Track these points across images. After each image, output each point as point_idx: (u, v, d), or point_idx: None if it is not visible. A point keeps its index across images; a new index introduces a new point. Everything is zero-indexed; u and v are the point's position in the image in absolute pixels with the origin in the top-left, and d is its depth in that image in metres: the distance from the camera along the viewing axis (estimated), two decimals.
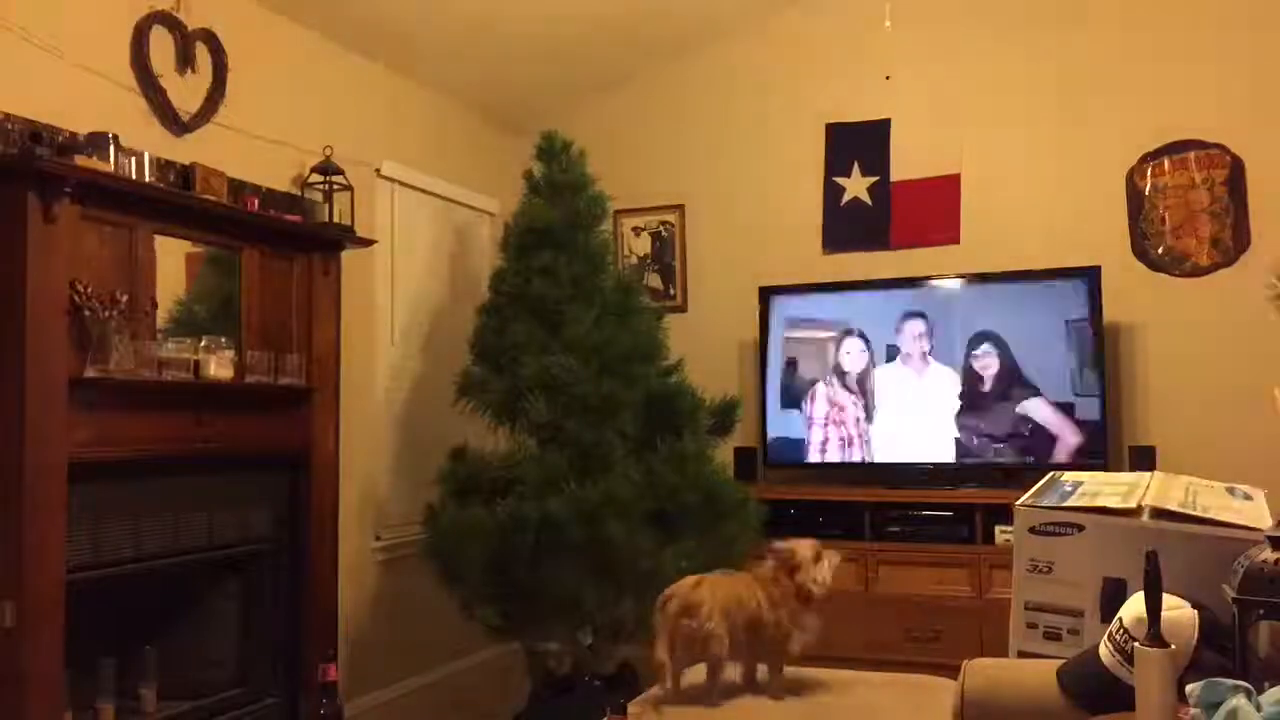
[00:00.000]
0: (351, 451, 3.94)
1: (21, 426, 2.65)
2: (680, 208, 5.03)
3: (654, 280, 5.05)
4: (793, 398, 4.50)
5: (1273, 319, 4.01)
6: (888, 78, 4.17)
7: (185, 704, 3.18)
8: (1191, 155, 4.22)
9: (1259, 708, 1.14)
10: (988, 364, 4.27)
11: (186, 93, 3.44)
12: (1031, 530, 1.66)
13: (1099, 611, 1.57)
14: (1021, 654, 1.64)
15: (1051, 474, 1.85)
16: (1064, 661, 1.46)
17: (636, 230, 5.10)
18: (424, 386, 4.53)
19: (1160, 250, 4.27)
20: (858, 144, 4.68)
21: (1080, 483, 1.81)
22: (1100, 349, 4.11)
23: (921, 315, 4.36)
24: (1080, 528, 1.62)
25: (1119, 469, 3.97)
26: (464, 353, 4.20)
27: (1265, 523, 1.51)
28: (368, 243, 3.96)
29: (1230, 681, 1.17)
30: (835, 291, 4.52)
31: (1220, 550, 1.45)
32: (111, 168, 2.93)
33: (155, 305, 3.10)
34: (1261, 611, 1.25)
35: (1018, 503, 1.71)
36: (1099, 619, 1.56)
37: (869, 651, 3.80)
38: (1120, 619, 1.37)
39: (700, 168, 4.99)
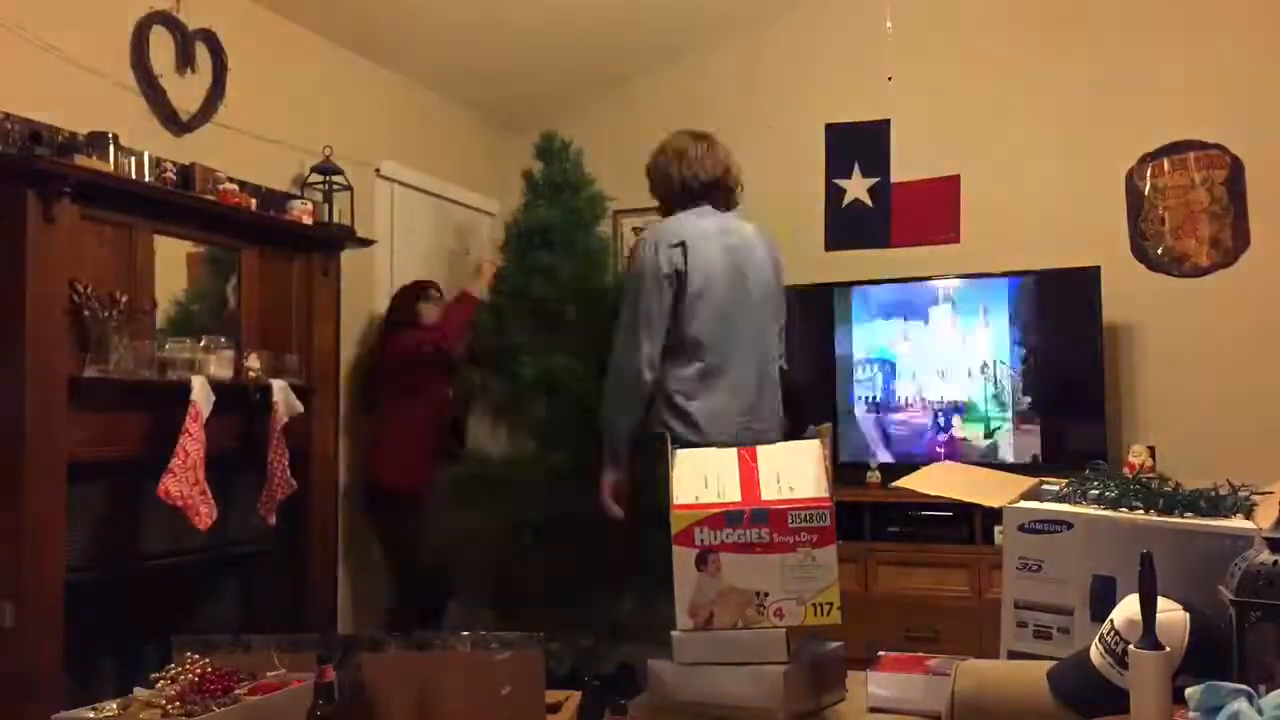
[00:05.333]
0: (351, 451, 3.94)
1: (21, 426, 2.66)
2: None
3: None
4: None
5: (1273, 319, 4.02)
6: (890, 79, 4.17)
7: None
8: (1191, 155, 4.22)
9: (1260, 711, 1.14)
10: (987, 364, 4.27)
11: (186, 93, 3.44)
12: (1020, 528, 1.66)
13: (1089, 610, 1.57)
14: (1012, 654, 1.64)
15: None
16: (1054, 663, 1.46)
17: (636, 230, 5.08)
18: None
19: (1160, 250, 4.28)
20: (858, 144, 4.66)
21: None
22: (1100, 349, 4.11)
23: (922, 315, 4.37)
24: (1069, 525, 1.62)
25: (1118, 470, 3.98)
26: None
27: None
28: (367, 243, 3.97)
29: (1231, 685, 1.17)
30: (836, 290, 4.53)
31: (1210, 548, 1.45)
32: (111, 168, 2.93)
33: (155, 305, 3.11)
34: (1259, 614, 1.26)
35: (1007, 502, 1.72)
36: (1089, 617, 1.56)
37: (869, 651, 3.79)
38: (1112, 621, 1.37)
39: None
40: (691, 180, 2.99)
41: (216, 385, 3.08)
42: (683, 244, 2.86)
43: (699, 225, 2.93)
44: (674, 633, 1.78)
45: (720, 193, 3.03)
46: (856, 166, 4.69)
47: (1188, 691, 1.19)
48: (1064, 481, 1.77)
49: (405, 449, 3.97)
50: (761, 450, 1.92)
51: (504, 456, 3.94)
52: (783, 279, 3.12)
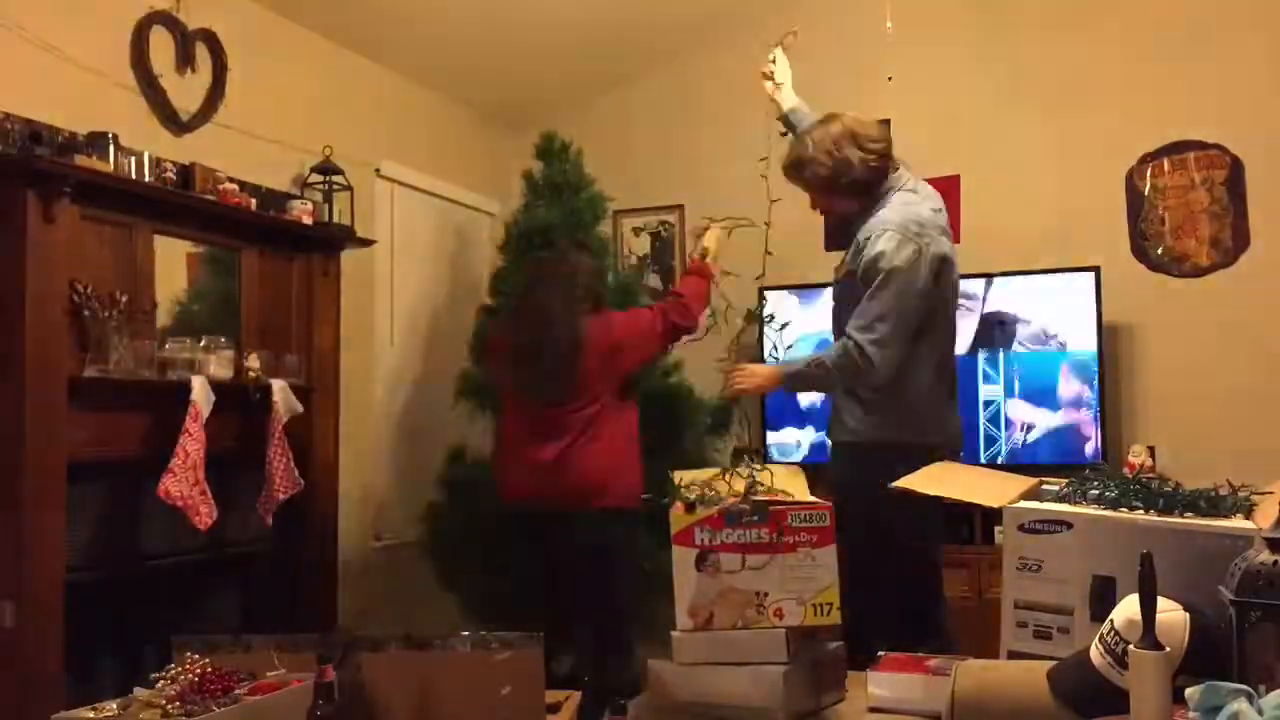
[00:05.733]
0: (351, 451, 3.94)
1: (21, 426, 2.66)
2: (680, 208, 5.02)
3: (653, 280, 5.04)
4: None
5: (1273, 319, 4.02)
6: (890, 79, 4.18)
7: None
8: (1191, 155, 4.22)
9: (1260, 711, 1.14)
10: (986, 364, 4.27)
11: (186, 93, 3.44)
12: (1020, 528, 1.67)
13: (1089, 610, 1.57)
14: (1012, 654, 1.65)
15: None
16: (1054, 663, 1.47)
17: (636, 230, 5.09)
18: (423, 387, 4.53)
19: (1160, 251, 4.27)
20: None
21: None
22: (1100, 349, 4.11)
23: None
24: (1069, 525, 1.62)
25: (1118, 470, 3.98)
26: (464, 353, 4.20)
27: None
28: (367, 243, 3.97)
29: (1230, 685, 1.17)
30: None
31: (1210, 548, 1.45)
32: (111, 168, 2.93)
33: (155, 305, 3.11)
34: (1259, 614, 1.26)
35: (1007, 502, 1.72)
36: (1089, 617, 1.56)
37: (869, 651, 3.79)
38: (1112, 621, 1.37)
39: (700, 168, 4.98)
40: (874, 159, 2.82)
41: (216, 385, 3.08)
42: (944, 259, 2.70)
43: (935, 223, 2.74)
44: (674, 633, 1.79)
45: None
46: None
47: (1188, 691, 1.19)
48: (1064, 481, 1.77)
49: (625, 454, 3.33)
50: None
51: None
52: None
